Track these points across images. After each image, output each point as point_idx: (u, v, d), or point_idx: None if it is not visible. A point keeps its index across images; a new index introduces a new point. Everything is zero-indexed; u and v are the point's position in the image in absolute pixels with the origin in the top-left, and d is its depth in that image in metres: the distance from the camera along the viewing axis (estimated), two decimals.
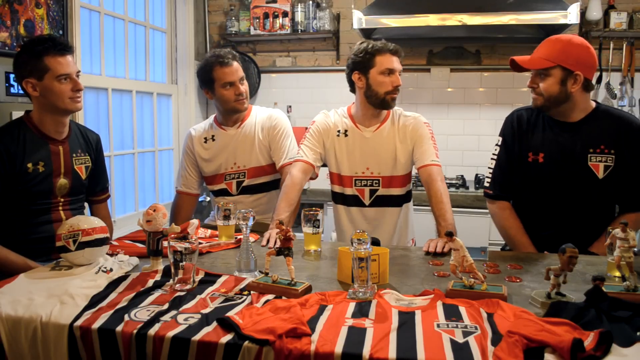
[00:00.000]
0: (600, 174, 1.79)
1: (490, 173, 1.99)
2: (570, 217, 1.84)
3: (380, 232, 2.13)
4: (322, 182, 2.39)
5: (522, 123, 1.93)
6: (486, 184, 2.00)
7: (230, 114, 2.30)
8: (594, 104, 1.85)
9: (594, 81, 1.85)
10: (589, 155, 1.80)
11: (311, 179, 2.20)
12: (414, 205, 2.34)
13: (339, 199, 2.21)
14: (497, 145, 1.98)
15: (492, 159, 1.99)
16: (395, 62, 2.02)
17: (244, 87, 2.26)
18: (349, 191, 2.16)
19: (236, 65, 2.24)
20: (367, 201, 2.14)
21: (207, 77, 2.24)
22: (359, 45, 2.07)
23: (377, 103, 2.05)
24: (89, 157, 1.97)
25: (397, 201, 2.16)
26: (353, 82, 2.09)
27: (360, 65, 2.03)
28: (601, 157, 1.79)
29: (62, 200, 1.87)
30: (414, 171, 2.17)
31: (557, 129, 1.85)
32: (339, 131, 2.14)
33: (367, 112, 2.11)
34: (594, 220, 1.83)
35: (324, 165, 2.22)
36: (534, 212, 1.91)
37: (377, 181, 2.12)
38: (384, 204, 2.14)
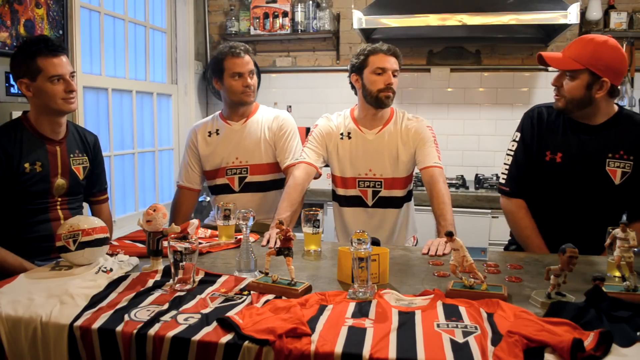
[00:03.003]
0: (617, 180, 1.77)
1: (506, 169, 1.94)
2: (582, 219, 1.82)
3: (381, 231, 2.15)
4: (322, 182, 2.40)
5: (542, 120, 1.88)
6: (502, 180, 1.96)
7: (236, 106, 2.32)
8: (616, 108, 1.81)
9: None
10: (607, 160, 1.77)
11: (314, 178, 2.22)
12: (415, 205, 2.35)
13: (342, 200, 2.22)
14: (514, 140, 1.94)
15: (508, 154, 1.95)
16: (388, 62, 2.05)
17: (253, 81, 2.28)
18: (352, 192, 2.18)
19: (247, 58, 2.27)
20: (369, 202, 2.17)
21: (218, 67, 2.27)
22: (358, 50, 2.13)
23: (373, 102, 2.09)
24: (86, 157, 1.97)
25: (399, 202, 2.18)
26: (354, 85, 2.15)
27: (357, 66, 2.10)
28: (620, 162, 1.77)
29: (59, 199, 1.87)
30: (416, 170, 2.19)
31: (578, 130, 1.82)
32: (342, 134, 2.18)
33: (368, 113, 2.14)
34: (605, 225, 1.81)
35: (327, 165, 2.24)
36: (546, 210, 1.89)
37: (379, 182, 2.14)
38: (386, 205, 2.16)
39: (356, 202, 2.18)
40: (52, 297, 1.25)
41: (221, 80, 2.28)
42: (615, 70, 1.70)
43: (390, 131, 2.14)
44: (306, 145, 2.20)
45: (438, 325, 1.09)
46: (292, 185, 2.07)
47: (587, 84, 1.70)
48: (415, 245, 2.27)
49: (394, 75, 2.07)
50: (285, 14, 3.55)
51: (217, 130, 2.36)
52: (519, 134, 1.93)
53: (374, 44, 2.10)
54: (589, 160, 1.79)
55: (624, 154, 1.77)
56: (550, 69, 1.92)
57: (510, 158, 1.94)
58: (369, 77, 2.06)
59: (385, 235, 2.16)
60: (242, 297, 1.28)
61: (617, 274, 1.43)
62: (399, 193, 2.16)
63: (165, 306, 1.21)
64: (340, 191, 2.22)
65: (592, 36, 1.75)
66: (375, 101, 2.08)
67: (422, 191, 3.01)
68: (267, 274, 1.37)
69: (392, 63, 2.06)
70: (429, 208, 2.02)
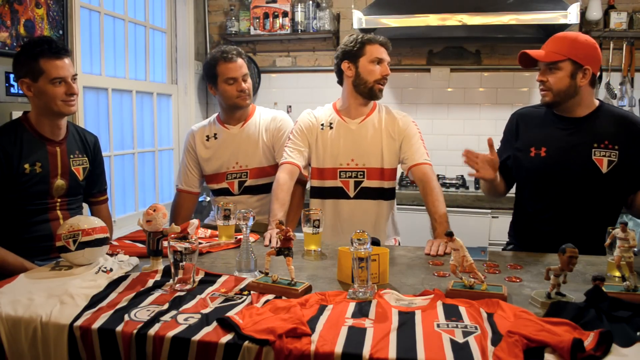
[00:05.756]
0: (604, 169, 1.80)
1: None
2: (573, 212, 1.84)
3: (361, 225, 2.10)
4: None
5: (524, 119, 1.97)
6: None
7: (232, 110, 2.31)
8: (597, 102, 1.89)
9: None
10: (593, 149, 1.81)
11: (302, 181, 2.20)
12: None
13: (317, 193, 2.19)
14: (500, 142, 2.03)
15: None
16: (384, 53, 2.06)
17: (247, 84, 2.26)
18: (329, 183, 2.15)
19: (240, 61, 2.25)
20: (351, 193, 2.13)
21: (211, 72, 2.26)
22: (348, 37, 2.12)
23: (366, 92, 2.08)
24: (86, 158, 1.97)
25: (382, 194, 2.15)
26: (342, 72, 2.11)
27: (350, 54, 2.07)
28: (605, 152, 1.80)
29: (59, 200, 1.87)
30: (401, 170, 2.17)
31: (561, 124, 1.88)
32: (322, 125, 2.16)
33: (354, 102, 2.12)
34: (596, 215, 1.83)
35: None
36: (537, 207, 1.91)
37: (362, 173, 2.12)
38: (369, 196, 2.13)
39: (336, 193, 2.14)
40: (52, 297, 1.25)
41: (215, 86, 2.27)
42: (594, 57, 1.80)
43: (374, 121, 2.13)
44: (287, 145, 2.16)
45: (438, 325, 1.09)
46: (276, 187, 2.04)
47: (570, 73, 1.79)
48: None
49: None
50: (285, 14, 3.55)
51: (215, 134, 2.35)
52: (503, 135, 2.04)
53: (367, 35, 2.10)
54: (575, 151, 1.83)
55: (609, 143, 1.81)
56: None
57: None
58: (367, 66, 2.04)
59: (367, 230, 2.12)
60: (242, 297, 1.28)
61: (617, 274, 1.43)
62: (382, 185, 2.13)
63: (165, 306, 1.21)
64: (316, 182, 2.18)
65: (563, 33, 1.87)
66: (369, 91, 2.07)
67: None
68: (267, 274, 1.37)
69: (387, 55, 2.07)
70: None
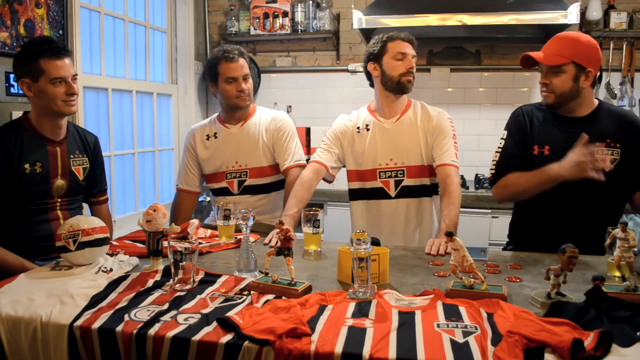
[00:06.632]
0: (608, 167, 1.79)
1: (494, 165, 1.98)
2: (577, 210, 1.84)
3: (405, 224, 2.12)
4: (323, 182, 2.39)
5: (527, 117, 1.96)
6: (489, 175, 1.99)
7: (232, 110, 2.31)
8: (596, 101, 1.90)
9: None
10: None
11: (327, 181, 2.21)
12: None
13: (358, 195, 2.18)
14: (502, 139, 1.99)
15: (496, 152, 1.99)
16: (407, 48, 2.07)
17: (247, 85, 2.26)
18: (370, 184, 2.14)
19: (242, 62, 2.25)
20: (392, 193, 2.13)
21: (213, 71, 2.27)
22: (373, 38, 2.13)
23: (394, 88, 2.08)
24: (86, 158, 1.97)
25: (424, 192, 2.14)
26: (370, 74, 2.13)
27: (374, 55, 2.09)
28: (608, 150, 1.81)
29: (59, 200, 1.87)
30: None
31: (563, 123, 1.88)
32: (359, 128, 2.16)
33: (386, 101, 2.13)
34: (598, 215, 1.84)
35: (344, 166, 2.22)
36: (541, 206, 1.91)
37: (401, 171, 2.11)
38: (411, 195, 2.12)
39: (377, 194, 2.14)
40: (52, 297, 1.25)
41: (216, 85, 2.27)
42: (596, 58, 1.82)
43: (410, 118, 2.13)
44: (320, 146, 2.19)
45: (438, 325, 1.09)
46: (299, 183, 2.07)
47: (574, 76, 1.80)
48: None
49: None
50: (285, 14, 3.55)
51: (215, 133, 2.35)
52: (506, 132, 2.00)
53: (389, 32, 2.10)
54: None
55: (611, 142, 1.82)
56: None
57: (499, 154, 1.97)
58: (390, 62, 2.05)
59: (412, 229, 2.12)
60: (242, 297, 1.28)
61: (617, 274, 1.43)
62: (423, 182, 2.12)
63: (165, 306, 1.21)
64: (355, 185, 2.18)
65: (565, 33, 1.87)
66: (397, 86, 2.07)
67: None
68: (267, 274, 1.37)
69: (410, 49, 2.08)
70: None
